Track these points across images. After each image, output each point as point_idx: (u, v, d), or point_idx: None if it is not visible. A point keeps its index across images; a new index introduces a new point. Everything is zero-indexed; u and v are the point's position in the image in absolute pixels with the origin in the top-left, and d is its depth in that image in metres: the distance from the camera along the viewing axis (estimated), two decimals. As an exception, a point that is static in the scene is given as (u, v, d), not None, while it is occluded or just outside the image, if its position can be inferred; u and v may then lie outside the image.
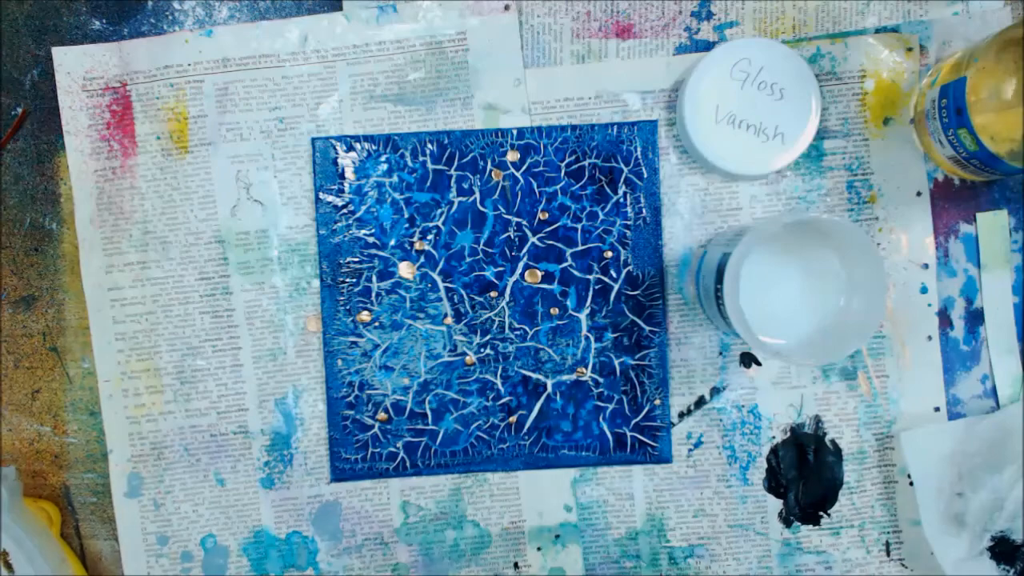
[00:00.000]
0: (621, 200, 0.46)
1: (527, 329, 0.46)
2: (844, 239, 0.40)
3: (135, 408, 0.47)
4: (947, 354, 0.46)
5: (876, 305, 0.39)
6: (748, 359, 0.47)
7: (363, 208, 0.46)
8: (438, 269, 0.46)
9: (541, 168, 0.46)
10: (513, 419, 0.46)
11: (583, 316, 0.46)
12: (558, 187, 0.46)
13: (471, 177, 0.46)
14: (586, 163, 0.46)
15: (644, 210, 0.46)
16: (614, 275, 0.46)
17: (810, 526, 0.47)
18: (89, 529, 0.48)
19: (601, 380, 0.46)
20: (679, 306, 0.47)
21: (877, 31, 0.46)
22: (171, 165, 0.47)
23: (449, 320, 0.46)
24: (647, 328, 0.46)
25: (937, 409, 0.46)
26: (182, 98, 0.46)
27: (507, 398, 0.46)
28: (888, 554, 0.47)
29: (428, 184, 0.46)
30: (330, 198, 0.46)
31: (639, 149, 0.46)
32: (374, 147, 0.46)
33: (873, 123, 0.46)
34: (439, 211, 0.46)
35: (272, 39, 0.46)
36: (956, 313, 0.46)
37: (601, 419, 0.46)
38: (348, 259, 0.46)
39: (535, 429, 0.46)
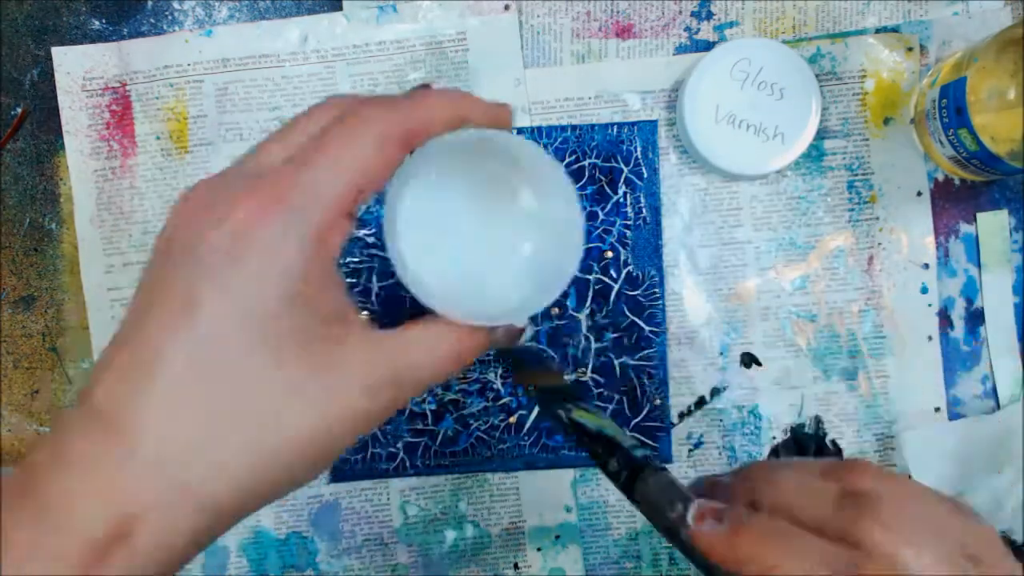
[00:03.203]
0: (621, 200, 0.46)
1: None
2: (536, 170, 0.29)
3: (135, 408, 0.47)
4: (947, 354, 0.46)
5: (569, 253, 0.29)
6: (748, 359, 0.47)
7: (363, 208, 0.46)
8: (438, 269, 0.46)
9: (541, 168, 0.46)
10: (513, 419, 0.46)
11: (583, 316, 0.46)
12: (558, 187, 0.46)
13: (471, 177, 0.46)
14: (586, 163, 0.46)
15: (644, 210, 0.46)
16: (614, 275, 0.46)
17: (810, 526, 0.47)
18: (89, 529, 0.48)
19: (601, 380, 0.46)
20: (679, 306, 0.47)
21: (877, 31, 0.46)
22: (171, 165, 0.47)
23: (449, 320, 0.46)
24: (647, 328, 0.46)
25: (937, 409, 0.46)
26: (182, 98, 0.46)
27: (507, 398, 0.46)
28: (888, 554, 0.47)
29: (428, 184, 0.46)
30: (330, 198, 0.46)
31: (639, 149, 0.46)
32: (374, 147, 0.46)
33: (873, 123, 0.46)
34: (439, 211, 0.46)
35: (272, 39, 0.46)
36: (956, 313, 0.46)
37: (601, 419, 0.46)
38: (348, 259, 0.46)
39: (535, 429, 0.46)
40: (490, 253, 0.31)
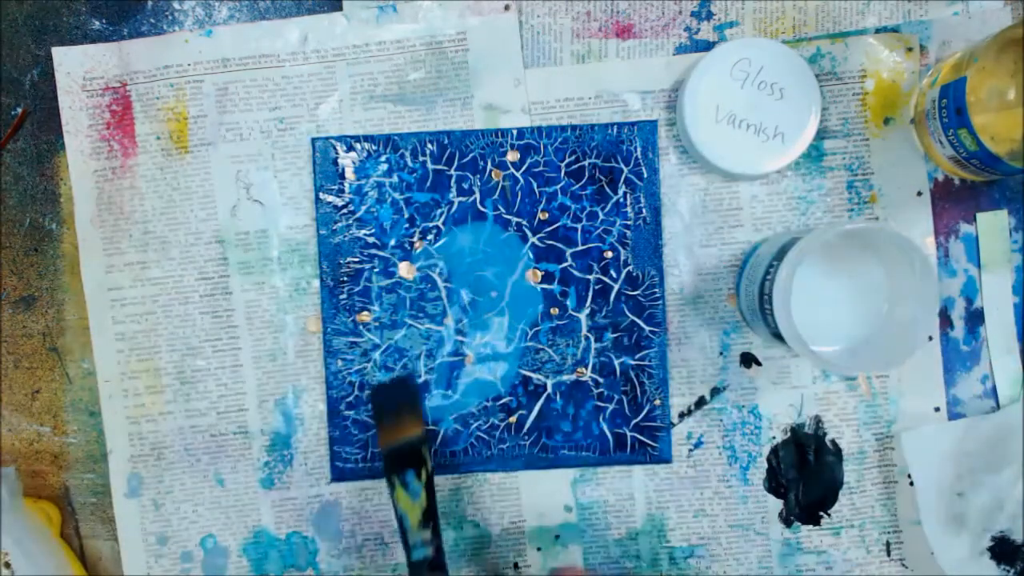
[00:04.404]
0: (621, 200, 0.46)
1: (527, 329, 0.46)
2: (892, 249, 0.41)
3: (135, 408, 0.47)
4: (947, 354, 0.46)
5: (926, 315, 0.39)
6: (748, 359, 0.47)
7: (363, 208, 0.46)
8: (438, 269, 0.46)
9: (541, 168, 0.46)
10: (513, 419, 0.46)
11: (583, 316, 0.46)
12: (558, 187, 0.46)
13: (471, 177, 0.46)
14: (586, 163, 0.46)
15: (644, 210, 0.46)
16: (614, 275, 0.46)
17: (810, 526, 0.47)
18: (89, 529, 0.48)
19: (601, 380, 0.46)
20: (679, 306, 0.47)
21: (877, 31, 0.46)
22: (171, 165, 0.47)
23: (449, 320, 0.46)
24: (647, 328, 0.46)
25: (937, 409, 0.46)
26: (182, 98, 0.46)
27: (507, 398, 0.46)
28: (888, 554, 0.47)
29: (428, 184, 0.46)
30: (330, 198, 0.46)
31: (639, 149, 0.46)
32: (374, 147, 0.46)
33: (873, 123, 0.46)
34: (439, 211, 0.46)
35: (272, 39, 0.46)
36: (956, 313, 0.46)
37: (601, 419, 0.46)
38: (348, 259, 0.46)
39: (535, 429, 0.46)
40: (853, 318, 0.43)
